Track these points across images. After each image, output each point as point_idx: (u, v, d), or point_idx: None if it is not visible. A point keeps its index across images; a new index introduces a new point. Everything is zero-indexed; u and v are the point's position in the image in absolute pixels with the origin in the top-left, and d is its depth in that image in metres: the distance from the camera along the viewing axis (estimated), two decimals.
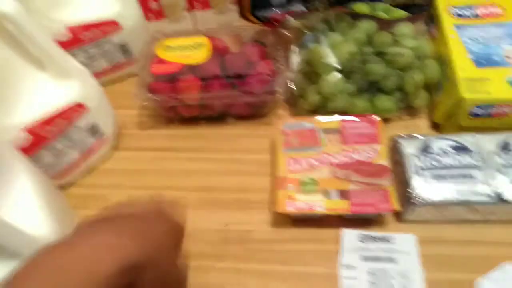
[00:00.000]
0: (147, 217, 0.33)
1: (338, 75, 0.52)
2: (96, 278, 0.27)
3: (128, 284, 0.29)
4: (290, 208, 0.46)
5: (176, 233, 0.34)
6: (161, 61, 0.56)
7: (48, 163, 0.50)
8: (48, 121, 0.47)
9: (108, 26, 0.58)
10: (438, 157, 0.47)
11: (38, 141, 0.47)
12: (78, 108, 0.49)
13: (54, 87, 0.48)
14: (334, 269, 0.45)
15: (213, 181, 0.54)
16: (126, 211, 0.33)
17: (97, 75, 0.62)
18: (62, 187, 0.54)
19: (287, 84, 0.56)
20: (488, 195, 0.44)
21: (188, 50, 0.57)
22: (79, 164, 0.54)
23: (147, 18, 0.67)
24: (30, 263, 0.28)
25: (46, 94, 0.48)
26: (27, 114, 0.46)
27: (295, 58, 0.57)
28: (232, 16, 0.71)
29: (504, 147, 0.47)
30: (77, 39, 0.58)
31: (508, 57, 0.52)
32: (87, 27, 0.57)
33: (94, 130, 0.53)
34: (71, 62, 0.50)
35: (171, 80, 0.55)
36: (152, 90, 0.55)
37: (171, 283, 0.34)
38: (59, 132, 0.48)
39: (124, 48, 0.62)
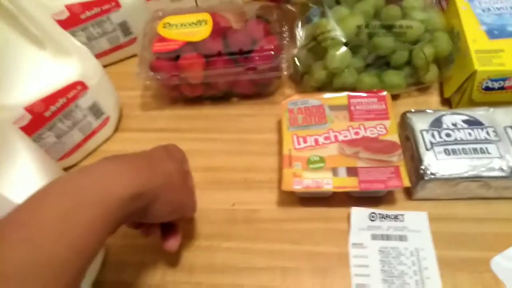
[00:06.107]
0: (158, 155, 0.38)
1: (345, 50, 0.50)
2: (109, 199, 0.30)
3: (139, 209, 0.33)
4: (297, 186, 0.45)
5: (181, 171, 0.39)
6: (163, 39, 0.54)
7: (50, 143, 0.49)
8: (48, 100, 0.46)
9: (107, 4, 0.57)
10: (450, 132, 0.45)
11: (38, 120, 0.46)
12: (78, 87, 0.48)
13: (53, 66, 0.47)
14: (344, 248, 0.44)
15: (218, 161, 0.53)
16: (140, 151, 0.38)
17: (98, 55, 0.62)
18: (64, 169, 0.53)
19: (292, 60, 0.54)
20: (503, 170, 0.42)
21: (190, 27, 0.55)
22: (81, 145, 0.53)
23: None
24: (51, 183, 0.30)
25: (46, 73, 0.47)
26: (27, 93, 0.45)
27: (300, 34, 0.55)
28: None
29: None
30: (76, 18, 0.56)
31: None
32: (86, 5, 0.56)
33: (95, 110, 0.52)
34: (70, 40, 0.49)
35: (173, 58, 0.53)
36: (154, 68, 0.53)
37: (180, 210, 0.39)
38: (60, 111, 0.47)
39: (124, 27, 0.61)
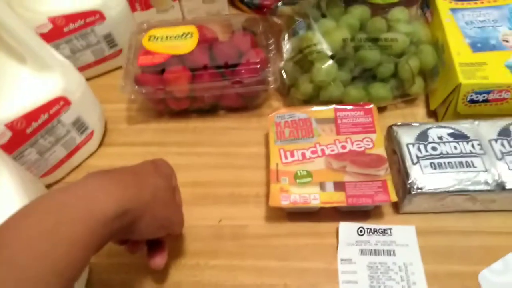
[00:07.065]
0: (145, 170, 0.37)
1: (331, 63, 0.50)
2: (93, 217, 0.29)
3: (125, 226, 0.32)
4: (285, 201, 0.44)
5: (169, 186, 0.39)
6: (148, 52, 0.54)
7: (32, 160, 0.48)
8: (30, 116, 0.44)
9: (91, 16, 0.56)
10: (436, 145, 0.45)
11: (19, 137, 0.45)
12: (60, 102, 0.47)
13: (35, 81, 0.46)
14: (333, 264, 0.44)
15: (205, 175, 0.52)
16: (126, 166, 0.37)
17: (82, 68, 0.61)
18: (47, 186, 0.51)
19: (279, 73, 0.54)
20: (488, 183, 0.43)
21: (175, 40, 0.54)
22: (65, 161, 0.51)
23: (134, 8, 0.64)
24: (33, 202, 0.29)
25: (27, 88, 0.46)
26: (8, 110, 0.44)
27: (287, 46, 0.55)
28: (221, 4, 0.69)
29: (504, 134, 0.45)
30: (60, 31, 0.55)
31: (506, 41, 0.51)
32: (69, 17, 0.55)
33: (79, 125, 0.51)
34: (52, 54, 0.48)
35: (158, 72, 0.53)
36: (139, 82, 0.53)
37: (168, 226, 0.38)
38: (42, 127, 0.46)
39: (109, 40, 0.60)
